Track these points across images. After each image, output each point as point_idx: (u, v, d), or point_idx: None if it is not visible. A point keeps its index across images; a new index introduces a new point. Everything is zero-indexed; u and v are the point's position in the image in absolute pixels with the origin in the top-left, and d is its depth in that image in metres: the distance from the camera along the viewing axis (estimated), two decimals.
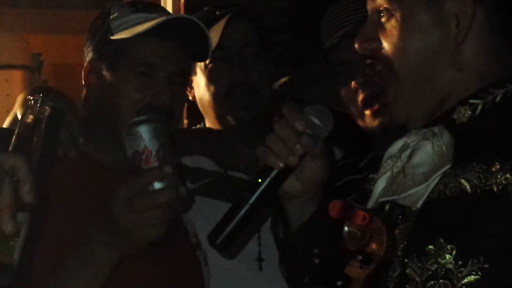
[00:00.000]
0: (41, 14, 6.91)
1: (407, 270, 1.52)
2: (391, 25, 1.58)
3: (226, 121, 2.52)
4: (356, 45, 1.65)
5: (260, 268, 2.43)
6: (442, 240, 1.47)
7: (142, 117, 1.87)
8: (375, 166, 1.67)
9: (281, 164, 1.66)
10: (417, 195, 1.54)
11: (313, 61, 2.47)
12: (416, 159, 1.55)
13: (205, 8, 2.61)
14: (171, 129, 2.02)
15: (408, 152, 1.58)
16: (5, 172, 1.25)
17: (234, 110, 2.50)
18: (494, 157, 1.46)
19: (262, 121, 2.49)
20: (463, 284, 1.44)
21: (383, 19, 1.60)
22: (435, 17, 1.55)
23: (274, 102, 2.58)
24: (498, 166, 1.45)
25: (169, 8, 5.55)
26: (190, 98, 2.59)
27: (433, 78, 1.57)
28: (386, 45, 1.59)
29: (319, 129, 1.69)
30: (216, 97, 2.51)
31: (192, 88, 2.58)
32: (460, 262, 1.45)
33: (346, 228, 1.55)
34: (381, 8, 1.60)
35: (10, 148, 1.49)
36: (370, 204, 1.62)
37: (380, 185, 1.60)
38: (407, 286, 1.52)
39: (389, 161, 1.61)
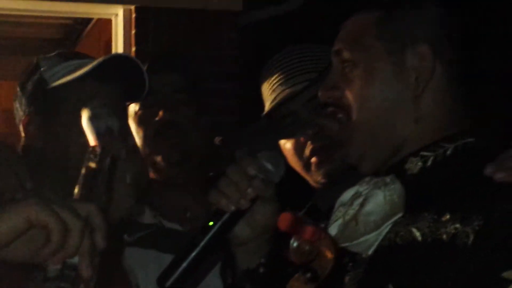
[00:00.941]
0: None
1: None
2: (354, 75, 1.63)
3: (155, 163, 2.55)
4: (319, 93, 1.69)
5: None
6: (391, 287, 1.49)
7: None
8: (313, 216, 1.70)
9: (233, 207, 1.67)
10: (368, 242, 1.56)
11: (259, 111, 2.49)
12: (368, 207, 1.57)
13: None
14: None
15: (360, 200, 1.60)
16: (82, 220, 1.25)
17: (163, 150, 2.54)
18: (445, 208, 1.49)
19: (192, 167, 2.55)
20: None
21: (346, 70, 1.65)
22: (396, 70, 1.60)
23: (211, 154, 2.63)
24: (448, 216, 1.48)
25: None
26: None
27: (389, 127, 1.61)
28: (348, 94, 1.63)
29: (271, 174, 1.71)
30: (146, 138, 2.56)
31: None
32: None
33: (294, 243, 1.55)
34: (345, 60, 1.65)
35: None
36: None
37: (332, 232, 1.61)
38: None
39: (341, 208, 1.63)
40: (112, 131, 1.65)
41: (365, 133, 1.62)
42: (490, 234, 1.41)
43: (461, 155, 1.58)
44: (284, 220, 1.56)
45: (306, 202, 2.37)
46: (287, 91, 2.30)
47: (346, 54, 1.65)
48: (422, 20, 1.62)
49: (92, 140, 1.58)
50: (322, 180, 2.23)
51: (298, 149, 2.28)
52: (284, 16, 5.49)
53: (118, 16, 5.52)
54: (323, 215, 1.86)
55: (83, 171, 1.42)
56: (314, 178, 2.26)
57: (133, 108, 2.58)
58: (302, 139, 2.27)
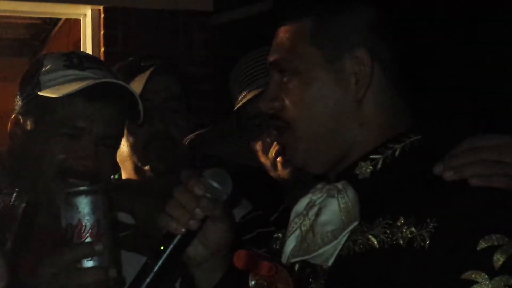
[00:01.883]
0: None
1: None
2: (293, 84, 1.61)
3: (142, 172, 2.53)
4: (260, 105, 1.68)
5: None
6: None
7: (81, 188, 1.76)
8: (286, 219, 1.66)
9: (183, 230, 1.64)
10: (328, 253, 1.55)
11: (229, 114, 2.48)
12: (324, 217, 1.56)
13: (130, 59, 2.63)
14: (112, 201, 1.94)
15: (315, 210, 1.59)
16: None
17: (151, 161, 2.51)
18: (398, 212, 1.49)
19: (178, 174, 2.48)
20: None
21: (285, 80, 1.63)
22: (335, 77, 1.59)
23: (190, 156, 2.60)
24: (402, 221, 1.47)
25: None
26: None
27: (333, 134, 1.60)
28: (288, 104, 1.62)
29: (218, 192, 1.69)
30: (135, 148, 2.52)
31: None
32: None
33: (252, 281, 1.54)
34: (282, 70, 1.63)
35: None
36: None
37: (290, 244, 1.60)
38: None
39: (296, 219, 1.62)
40: (80, 225, 1.68)
41: (308, 141, 1.61)
42: (446, 236, 1.41)
43: (410, 155, 1.58)
44: (240, 258, 1.56)
45: (278, 205, 2.38)
46: (254, 92, 2.30)
47: (282, 65, 1.63)
48: (357, 25, 1.60)
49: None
50: (289, 179, 2.24)
51: (265, 149, 2.30)
52: (255, 17, 5.47)
53: (86, 16, 5.50)
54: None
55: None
56: (281, 177, 2.27)
57: None
58: (268, 139, 2.28)
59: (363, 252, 1.51)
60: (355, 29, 1.60)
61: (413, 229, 1.45)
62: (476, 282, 1.36)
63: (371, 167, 1.58)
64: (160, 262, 1.62)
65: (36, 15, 6.37)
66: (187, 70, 5.24)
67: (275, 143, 2.25)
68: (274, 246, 1.75)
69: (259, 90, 2.28)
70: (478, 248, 1.38)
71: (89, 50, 5.46)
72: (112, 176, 2.62)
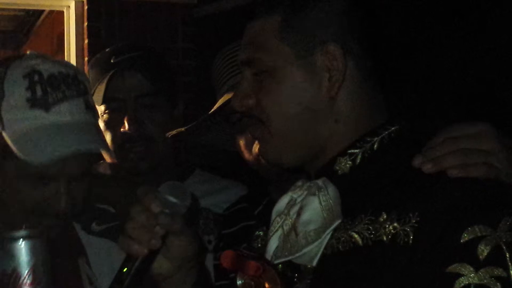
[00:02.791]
0: None
1: None
2: (265, 82, 1.59)
3: (122, 170, 2.50)
4: (231, 102, 1.65)
5: None
6: None
7: (17, 233, 1.63)
8: (270, 214, 1.64)
9: (145, 250, 1.59)
10: (312, 253, 1.53)
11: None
12: (305, 216, 1.54)
13: (103, 52, 2.57)
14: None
15: (296, 208, 1.57)
16: None
17: (128, 162, 2.47)
18: (380, 207, 1.47)
19: (158, 174, 2.47)
20: None
21: (256, 77, 1.60)
22: (307, 73, 1.57)
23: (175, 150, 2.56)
24: (385, 216, 1.46)
25: (73, 50, 5.50)
26: None
27: (307, 131, 1.58)
28: (260, 102, 1.59)
29: (176, 207, 1.64)
30: (113, 147, 2.45)
31: None
32: None
33: (239, 281, 1.53)
34: (254, 67, 1.60)
35: None
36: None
37: (273, 244, 1.58)
38: None
39: (278, 218, 1.60)
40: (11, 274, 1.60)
41: (280, 137, 1.59)
42: (429, 230, 1.40)
43: (389, 147, 1.56)
44: (226, 258, 1.53)
45: (263, 197, 2.36)
46: (230, 93, 2.26)
47: (253, 62, 1.60)
48: (326, 19, 1.57)
49: None
50: (273, 175, 2.22)
51: (248, 145, 2.28)
52: (239, 9, 5.47)
53: (70, 8, 5.46)
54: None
55: None
56: (266, 173, 2.26)
57: (99, 109, 2.46)
58: (250, 135, 2.22)
59: (347, 250, 1.49)
60: (324, 23, 1.57)
61: (396, 224, 1.43)
62: (462, 275, 1.36)
63: (350, 162, 1.57)
64: (125, 284, 1.58)
65: (20, 7, 6.31)
66: (170, 62, 5.24)
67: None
68: (255, 244, 1.74)
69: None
70: (462, 241, 1.38)
71: (72, 42, 5.43)
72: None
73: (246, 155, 2.30)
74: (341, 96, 1.57)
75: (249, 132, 2.15)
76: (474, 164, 1.46)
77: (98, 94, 2.44)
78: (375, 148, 1.56)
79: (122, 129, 2.45)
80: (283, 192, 1.64)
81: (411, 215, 1.42)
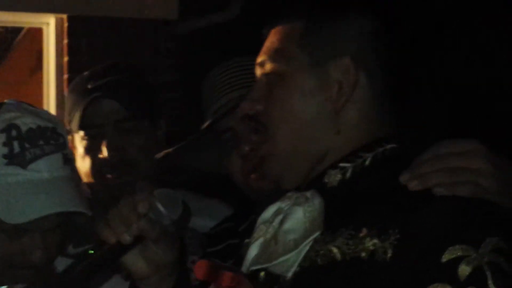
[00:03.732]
0: None
1: None
2: (277, 88, 1.60)
3: (101, 191, 2.46)
4: (241, 105, 1.66)
5: None
6: None
7: None
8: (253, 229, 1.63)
9: (114, 240, 1.61)
10: (288, 263, 1.51)
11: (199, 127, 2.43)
12: (287, 225, 1.54)
13: (80, 76, 2.54)
14: None
15: (280, 217, 1.56)
16: None
17: (107, 189, 2.43)
18: (361, 222, 1.46)
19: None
20: None
21: (270, 82, 1.61)
22: (317, 81, 1.57)
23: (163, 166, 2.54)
24: (365, 232, 1.44)
25: (52, 67, 5.46)
26: None
27: (310, 140, 1.58)
28: (269, 108, 1.60)
29: (161, 216, 1.64)
30: (91, 171, 2.44)
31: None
32: None
33: None
34: (268, 72, 1.62)
35: None
36: (243, 271, 1.57)
37: (252, 251, 1.57)
38: None
39: (262, 226, 1.59)
40: None
41: (286, 147, 1.59)
42: (409, 248, 1.38)
43: (380, 164, 1.55)
44: (200, 268, 1.52)
45: (248, 216, 2.32)
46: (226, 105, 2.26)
47: (269, 66, 1.62)
48: (346, 32, 1.58)
49: None
50: (263, 196, 2.17)
51: (237, 164, 2.25)
52: (220, 25, 5.46)
53: (49, 25, 5.45)
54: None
55: None
56: (255, 193, 2.23)
57: (79, 135, 2.44)
58: (239, 155, 2.23)
59: (325, 265, 1.48)
60: (345, 37, 1.58)
61: (375, 240, 1.42)
62: None
63: (340, 176, 1.56)
64: (86, 264, 1.58)
65: None
66: (152, 78, 5.22)
67: (245, 159, 2.21)
68: (243, 252, 1.70)
69: (230, 103, 2.23)
70: (442, 260, 1.36)
71: (52, 59, 5.41)
72: None
73: (236, 177, 2.27)
74: (348, 110, 1.57)
75: (252, 144, 2.13)
76: (461, 182, 1.43)
77: (76, 121, 2.43)
78: (366, 164, 1.55)
79: (100, 156, 2.42)
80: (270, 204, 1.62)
81: (390, 231, 1.41)
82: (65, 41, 5.36)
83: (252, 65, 2.31)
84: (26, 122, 1.96)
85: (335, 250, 1.47)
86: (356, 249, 1.44)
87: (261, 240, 1.57)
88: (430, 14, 5.20)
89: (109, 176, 2.42)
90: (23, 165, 1.93)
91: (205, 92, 2.38)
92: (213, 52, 2.33)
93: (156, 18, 5.48)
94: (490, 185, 1.44)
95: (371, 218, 1.45)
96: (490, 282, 1.34)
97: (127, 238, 1.60)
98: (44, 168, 1.95)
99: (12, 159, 1.92)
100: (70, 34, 5.34)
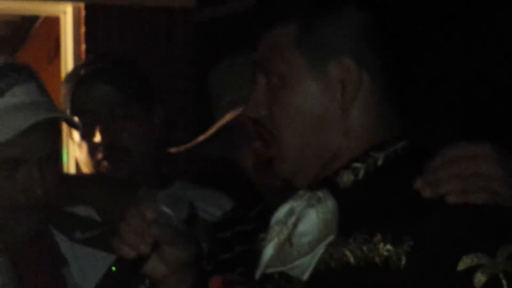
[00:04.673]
0: None
1: None
2: (278, 91, 1.57)
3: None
4: (244, 110, 1.66)
5: None
6: None
7: None
8: (265, 218, 1.62)
9: (134, 254, 1.65)
10: (304, 266, 1.50)
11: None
12: (302, 227, 1.52)
13: (75, 67, 2.60)
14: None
15: (293, 219, 1.54)
16: None
17: (107, 173, 2.46)
18: (376, 227, 1.44)
19: (140, 179, 2.46)
20: None
21: (270, 85, 1.58)
22: (320, 83, 1.54)
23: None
24: (379, 237, 1.43)
25: (70, 55, 5.48)
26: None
27: (318, 142, 1.56)
28: (273, 111, 1.58)
29: (169, 218, 1.68)
30: (88, 158, 2.48)
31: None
32: None
33: None
34: (268, 75, 1.58)
35: None
36: (258, 274, 1.57)
37: (267, 253, 1.56)
38: None
39: (276, 226, 1.57)
40: None
41: (293, 151, 1.57)
42: (422, 256, 1.37)
43: (393, 164, 1.53)
44: (215, 284, 1.56)
45: (256, 202, 2.32)
46: (234, 110, 2.22)
47: (268, 69, 1.58)
48: (344, 31, 1.56)
49: None
50: (278, 186, 2.10)
51: (250, 158, 2.22)
52: (239, 14, 5.43)
53: (66, 13, 5.45)
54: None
55: None
56: (271, 188, 2.16)
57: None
58: (252, 149, 2.18)
59: (339, 269, 1.47)
60: (342, 35, 1.55)
61: (389, 246, 1.41)
62: None
63: (352, 176, 1.54)
64: (114, 283, 1.63)
65: (15, 13, 6.31)
66: (169, 68, 5.22)
67: (258, 153, 2.19)
68: (259, 247, 1.68)
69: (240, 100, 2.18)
70: (458, 269, 1.34)
71: (69, 48, 5.43)
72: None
73: (248, 167, 2.24)
74: (353, 109, 1.55)
75: (259, 149, 2.10)
76: (474, 189, 1.41)
77: (69, 107, 2.47)
78: (379, 164, 1.53)
79: (95, 140, 2.45)
80: (282, 200, 1.61)
81: (404, 238, 1.39)
82: (82, 29, 5.37)
83: None
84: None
85: (349, 254, 1.46)
86: (370, 254, 1.43)
87: (275, 241, 1.55)
88: (428, 9, 5.16)
89: (104, 164, 2.45)
90: (0, 94, 1.97)
91: (216, 85, 2.35)
92: (230, 42, 2.30)
93: (173, 7, 5.46)
94: (503, 191, 1.42)
95: (385, 222, 1.44)
96: None
97: (145, 248, 1.64)
98: (21, 93, 1.99)
99: None
100: (87, 23, 5.34)
